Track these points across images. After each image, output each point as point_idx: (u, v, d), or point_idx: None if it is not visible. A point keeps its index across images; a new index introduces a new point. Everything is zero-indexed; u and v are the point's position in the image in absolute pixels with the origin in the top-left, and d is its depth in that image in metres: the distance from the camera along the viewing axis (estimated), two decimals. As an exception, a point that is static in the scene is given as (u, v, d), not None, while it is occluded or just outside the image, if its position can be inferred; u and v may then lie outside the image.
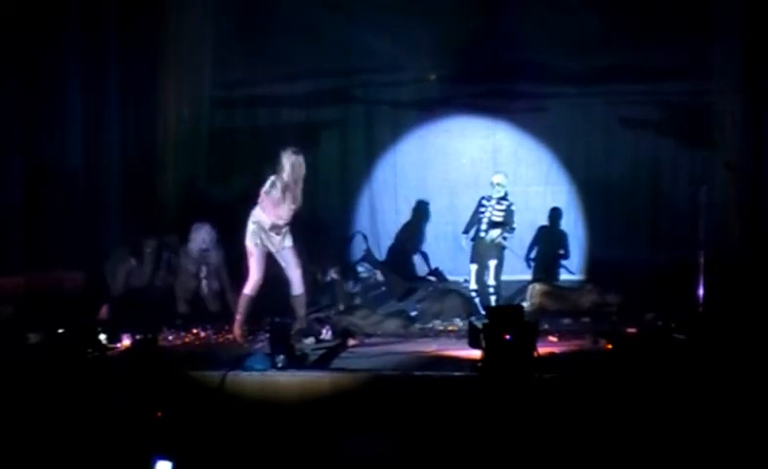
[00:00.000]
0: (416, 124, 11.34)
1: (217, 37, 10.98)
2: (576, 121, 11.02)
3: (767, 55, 9.76)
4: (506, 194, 9.22)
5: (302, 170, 7.95)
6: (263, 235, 7.94)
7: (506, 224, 9.11)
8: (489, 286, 9.13)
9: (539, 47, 10.70)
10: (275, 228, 7.94)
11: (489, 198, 9.21)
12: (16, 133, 9.57)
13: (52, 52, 9.89)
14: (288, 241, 8.04)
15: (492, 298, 9.06)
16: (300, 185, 7.97)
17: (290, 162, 7.89)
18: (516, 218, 9.25)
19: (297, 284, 8.08)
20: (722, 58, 10.21)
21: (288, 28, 10.89)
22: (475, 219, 9.26)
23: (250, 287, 8.01)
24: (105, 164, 10.39)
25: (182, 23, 10.86)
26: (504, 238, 9.15)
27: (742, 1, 10.00)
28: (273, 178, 7.91)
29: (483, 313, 8.73)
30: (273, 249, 8.00)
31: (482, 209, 9.21)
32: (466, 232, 9.33)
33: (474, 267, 9.22)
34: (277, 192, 7.87)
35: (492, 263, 9.13)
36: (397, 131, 11.35)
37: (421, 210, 11.15)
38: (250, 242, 7.97)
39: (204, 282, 9.45)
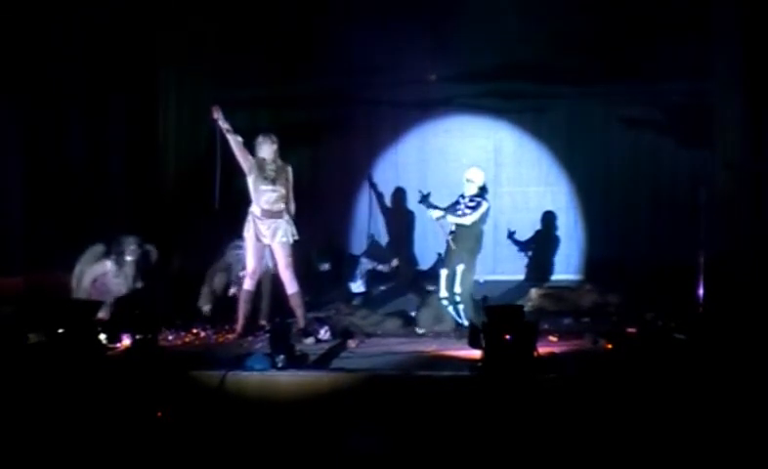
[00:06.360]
0: (416, 124, 11.33)
1: (218, 37, 10.98)
2: (575, 121, 11.01)
3: (767, 55, 9.76)
4: (482, 192, 8.68)
5: (269, 149, 8.11)
6: (255, 224, 8.08)
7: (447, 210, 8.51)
8: (455, 294, 8.43)
9: (539, 47, 10.70)
10: (266, 214, 8.04)
11: (462, 196, 8.70)
12: (16, 133, 9.57)
13: (52, 51, 9.88)
14: (282, 237, 8.07)
15: (460, 307, 8.43)
16: (274, 166, 8.08)
17: (256, 144, 8.14)
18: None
19: (288, 283, 8.16)
20: (722, 58, 10.18)
21: (289, 28, 10.88)
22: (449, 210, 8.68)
23: (246, 280, 8.19)
24: (105, 164, 10.40)
25: (183, 23, 10.85)
26: (443, 226, 8.52)
27: (741, 1, 10.00)
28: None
29: (463, 321, 8.37)
30: (264, 239, 8.09)
31: (457, 207, 8.65)
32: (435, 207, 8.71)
33: (444, 272, 8.58)
34: (251, 176, 8.05)
35: (460, 268, 8.47)
36: (397, 131, 11.33)
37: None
38: (246, 232, 8.14)
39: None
